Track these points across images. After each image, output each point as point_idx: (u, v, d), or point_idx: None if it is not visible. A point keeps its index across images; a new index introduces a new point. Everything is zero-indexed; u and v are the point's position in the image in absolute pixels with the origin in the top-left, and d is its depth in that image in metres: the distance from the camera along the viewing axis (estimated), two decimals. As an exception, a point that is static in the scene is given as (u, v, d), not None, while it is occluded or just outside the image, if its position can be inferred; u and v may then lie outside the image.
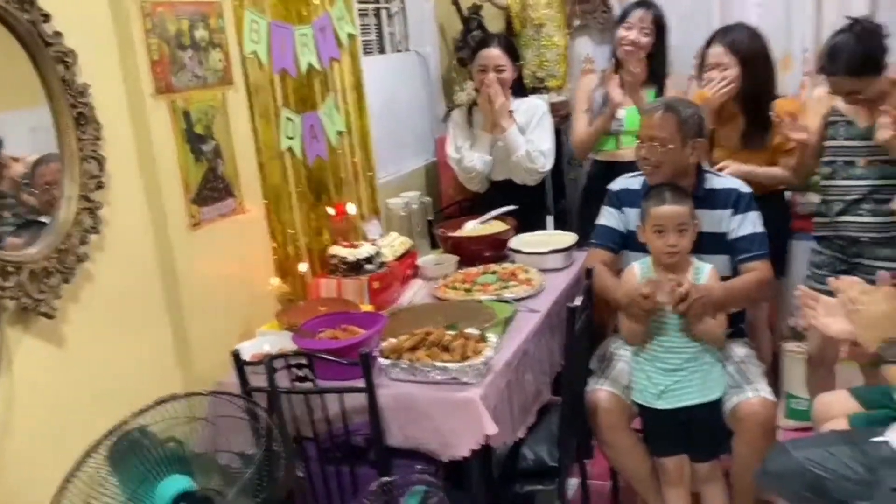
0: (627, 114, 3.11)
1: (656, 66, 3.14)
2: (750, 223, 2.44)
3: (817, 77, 3.30)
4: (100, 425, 1.75)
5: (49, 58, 1.76)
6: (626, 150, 3.04)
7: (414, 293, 2.70)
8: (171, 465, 1.61)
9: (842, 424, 2.11)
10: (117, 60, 1.98)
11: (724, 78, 2.83)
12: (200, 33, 2.21)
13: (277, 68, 2.58)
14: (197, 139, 2.19)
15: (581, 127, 3.21)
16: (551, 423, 2.37)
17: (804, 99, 3.26)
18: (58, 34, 1.77)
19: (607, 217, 2.58)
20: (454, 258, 2.87)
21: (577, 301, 2.19)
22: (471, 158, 3.22)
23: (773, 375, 3.07)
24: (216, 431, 1.82)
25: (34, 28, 1.72)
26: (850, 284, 1.86)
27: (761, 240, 2.44)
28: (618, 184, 2.61)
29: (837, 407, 2.22)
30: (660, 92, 3.12)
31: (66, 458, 1.67)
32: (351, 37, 2.99)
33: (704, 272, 2.34)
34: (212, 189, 2.25)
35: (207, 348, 2.21)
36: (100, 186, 1.89)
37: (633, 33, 3.07)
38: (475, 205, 3.32)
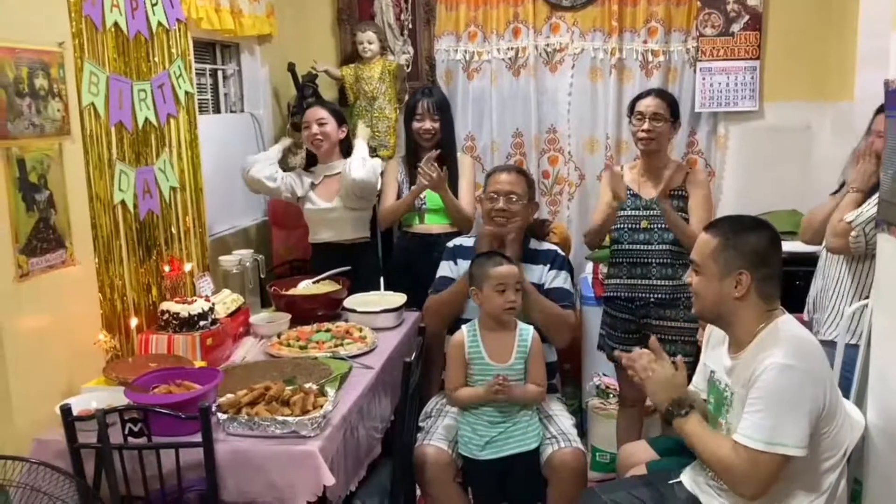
0: (428, 194, 3.42)
1: (446, 143, 3.46)
2: (562, 279, 2.79)
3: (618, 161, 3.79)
4: None
5: None
6: (430, 225, 3.45)
7: (246, 350, 2.72)
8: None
9: (642, 471, 2.36)
10: (-51, 103, 1.92)
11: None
12: (40, 82, 2.18)
13: (114, 121, 2.56)
14: (30, 188, 2.14)
15: (388, 202, 3.47)
16: (381, 476, 2.46)
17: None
18: None
19: (443, 269, 2.87)
20: (287, 316, 2.92)
21: (412, 357, 2.32)
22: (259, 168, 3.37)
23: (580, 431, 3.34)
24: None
25: None
26: (639, 355, 2.14)
27: (569, 295, 2.78)
28: (453, 242, 2.94)
29: (638, 455, 2.48)
30: (453, 166, 3.43)
31: None
32: (188, 95, 3.02)
33: (529, 333, 2.56)
34: (42, 239, 2.19)
35: (28, 404, 2.11)
36: (-76, 232, 1.80)
37: (427, 123, 3.39)
38: (306, 265, 3.41)
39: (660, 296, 2.98)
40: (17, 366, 2.08)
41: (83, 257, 2.36)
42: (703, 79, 3.89)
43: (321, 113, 3.36)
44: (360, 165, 3.27)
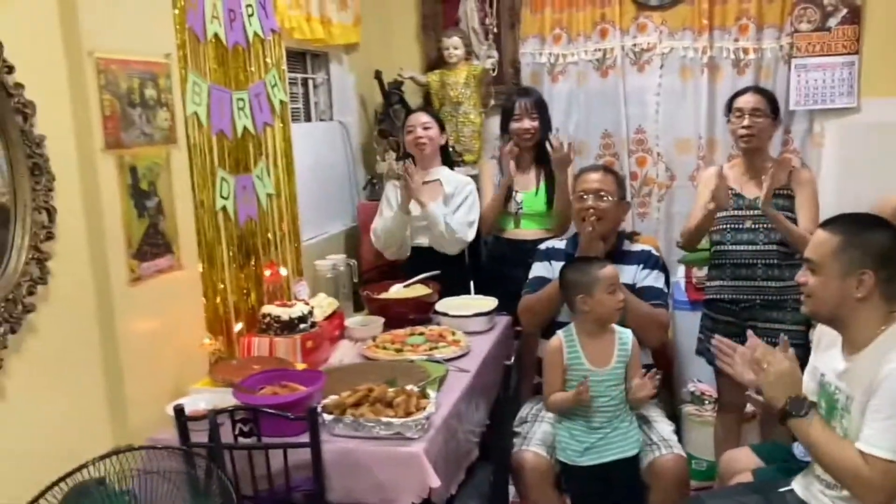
0: (525, 197, 3.38)
1: (545, 147, 3.42)
2: (654, 278, 2.73)
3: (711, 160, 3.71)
4: (32, 480, 1.73)
5: (10, 108, 1.77)
6: (525, 230, 3.41)
7: (343, 353, 2.75)
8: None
9: (747, 478, 2.29)
10: (71, 114, 2.00)
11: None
12: (150, 92, 2.25)
13: (216, 130, 2.63)
14: (141, 195, 2.21)
15: (484, 205, 3.45)
16: (478, 480, 2.45)
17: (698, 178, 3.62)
18: (19, 85, 1.79)
19: (538, 269, 2.84)
20: (381, 320, 2.94)
21: (512, 360, 2.31)
22: (381, 232, 3.35)
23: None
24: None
25: (-3, 78, 1.73)
26: (752, 348, 2.07)
27: (661, 294, 2.72)
28: (545, 244, 2.93)
29: (742, 462, 2.41)
30: (547, 172, 3.40)
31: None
32: (282, 104, 3.08)
33: (628, 337, 2.52)
34: (152, 245, 2.26)
35: (140, 405, 2.18)
36: (49, 237, 1.88)
37: (525, 122, 3.36)
38: (397, 269, 3.43)
39: (767, 297, 2.90)
40: (131, 368, 2.15)
41: (188, 262, 2.43)
42: (798, 76, 3.77)
43: (425, 117, 3.37)
44: (469, 229, 3.29)
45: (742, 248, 2.93)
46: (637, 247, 2.85)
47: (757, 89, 3.03)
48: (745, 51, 3.85)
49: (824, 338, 2.12)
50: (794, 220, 2.85)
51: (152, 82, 2.27)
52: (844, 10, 3.69)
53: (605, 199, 2.71)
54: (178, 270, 2.37)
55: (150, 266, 2.25)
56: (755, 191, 2.88)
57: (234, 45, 2.74)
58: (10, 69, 1.76)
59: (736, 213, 2.92)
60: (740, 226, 2.93)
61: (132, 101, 2.17)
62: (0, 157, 1.78)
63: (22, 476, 1.76)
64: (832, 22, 3.72)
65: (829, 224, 1.97)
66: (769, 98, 2.95)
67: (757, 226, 2.89)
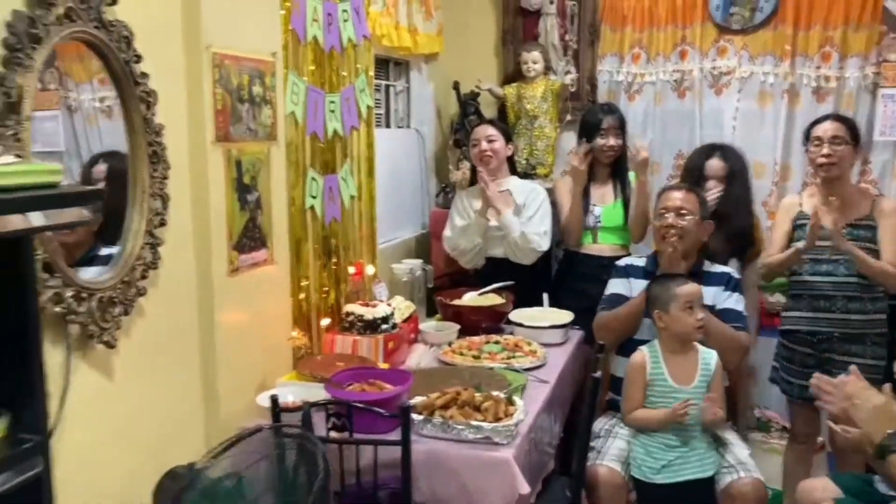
0: (604, 211, 3.38)
1: (623, 161, 3.44)
2: (735, 300, 2.72)
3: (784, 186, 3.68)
4: (131, 461, 1.79)
5: (135, 96, 1.83)
6: (603, 245, 3.39)
7: (419, 356, 2.77)
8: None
9: (828, 508, 2.25)
10: (186, 105, 2.06)
11: (718, 189, 3.19)
12: (257, 89, 2.31)
13: (310, 130, 2.68)
14: (244, 188, 2.26)
15: (563, 218, 3.45)
16: (554, 492, 2.45)
17: (774, 205, 3.59)
18: (145, 75, 1.85)
19: (615, 286, 2.83)
20: (456, 326, 2.96)
21: (599, 373, 2.30)
22: (462, 239, 3.36)
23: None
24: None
25: (127, 67, 1.80)
26: (845, 382, 2.04)
27: (741, 317, 2.70)
28: (623, 261, 2.91)
29: (820, 492, 2.37)
30: (623, 185, 3.42)
31: (104, 486, 1.68)
32: (369, 108, 3.13)
33: (712, 357, 2.50)
34: (250, 238, 2.31)
35: (231, 394, 2.22)
36: (162, 224, 1.94)
37: (611, 139, 3.37)
38: (468, 277, 3.45)
39: (846, 330, 2.84)
40: (224, 357, 2.19)
41: (280, 257, 2.48)
42: (885, 106, 3.72)
43: (490, 130, 3.40)
44: (543, 238, 3.30)
45: (821, 279, 2.89)
46: (718, 268, 2.82)
47: (837, 117, 2.99)
48: (827, 78, 3.80)
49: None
50: (877, 252, 2.80)
51: (259, 80, 2.33)
52: (936, 41, 3.65)
53: (686, 217, 2.70)
54: (270, 265, 2.42)
55: (247, 258, 2.30)
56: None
57: (331, 48, 2.80)
58: (139, 58, 1.82)
59: (818, 243, 2.87)
60: (819, 257, 2.87)
61: (241, 96, 2.23)
62: (123, 143, 1.84)
63: (119, 456, 1.81)
64: (922, 53, 3.67)
65: None
66: (849, 125, 2.91)
67: (837, 257, 2.83)
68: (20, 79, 1.47)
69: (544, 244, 3.30)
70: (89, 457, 1.73)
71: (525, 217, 3.30)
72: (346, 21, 2.91)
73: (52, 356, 1.60)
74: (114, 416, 1.82)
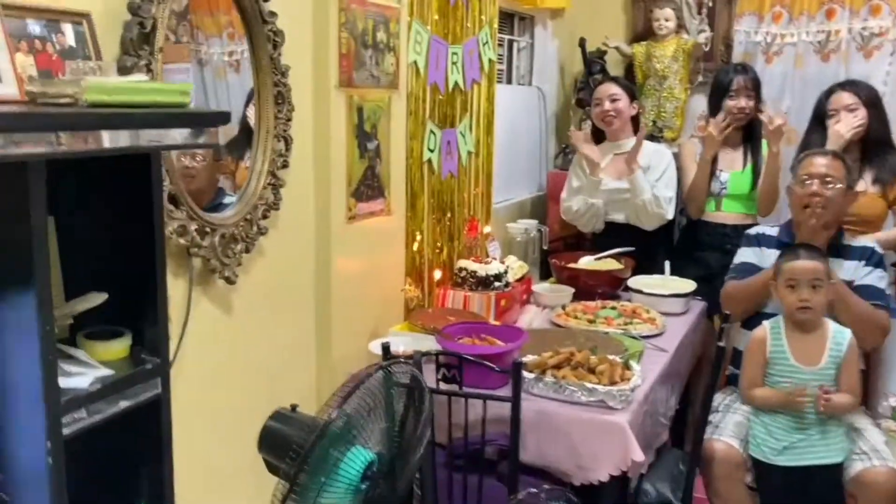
0: (731, 177, 3.19)
1: (756, 125, 3.22)
2: (876, 277, 2.52)
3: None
4: (244, 394, 1.82)
5: (263, 35, 1.83)
6: (727, 213, 3.21)
7: (531, 318, 2.71)
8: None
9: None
10: (312, 48, 2.05)
11: (855, 117, 2.96)
12: (381, 35, 2.28)
13: (431, 81, 2.64)
14: (364, 136, 2.25)
15: (687, 185, 3.29)
16: (668, 463, 2.36)
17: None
18: (273, 14, 1.85)
19: (746, 255, 2.67)
20: (571, 289, 2.88)
21: (723, 342, 2.19)
22: (573, 201, 3.25)
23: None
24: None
25: (256, 5, 1.79)
26: None
27: (882, 295, 2.50)
28: (755, 229, 2.74)
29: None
30: (755, 152, 3.21)
31: (218, 414, 1.72)
32: (491, 62, 3.06)
33: (845, 337, 2.32)
34: (368, 186, 2.30)
35: (343, 340, 2.24)
36: (284, 165, 1.94)
37: (742, 100, 3.17)
38: (585, 242, 3.35)
39: None
40: (339, 303, 2.21)
41: (397, 208, 2.46)
42: None
43: (614, 89, 3.25)
44: (670, 205, 3.16)
45: None
46: (860, 241, 2.62)
47: None
48: None
49: None
50: None
51: (384, 26, 2.30)
52: None
53: (831, 185, 2.50)
54: (387, 215, 2.41)
55: (364, 207, 2.29)
56: None
57: (456, -1, 2.74)
58: (268, -3, 1.82)
59: None
60: None
61: (365, 42, 2.21)
62: (250, 82, 1.84)
63: (232, 388, 1.85)
64: None
65: None
66: None
67: None
68: (155, 9, 1.48)
69: (670, 211, 3.15)
70: (205, 385, 1.78)
71: (651, 181, 3.15)
72: (472, -29, 2.84)
73: (175, 288, 1.64)
74: (230, 350, 1.86)
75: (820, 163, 2.55)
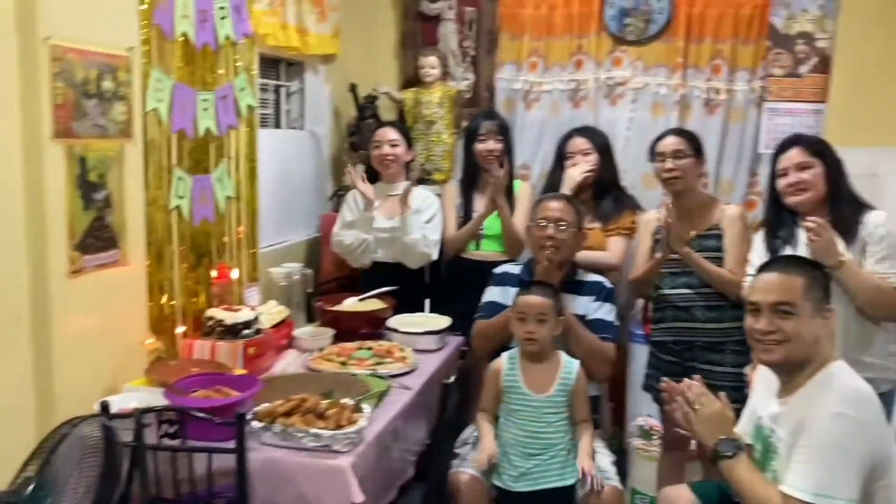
0: (489, 219, 3.38)
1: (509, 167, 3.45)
2: (605, 311, 2.75)
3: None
4: None
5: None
6: (486, 252, 3.40)
7: (288, 363, 2.72)
8: None
9: (684, 516, 2.27)
10: (19, 98, 1.98)
11: (587, 162, 3.28)
12: (107, 84, 2.23)
13: (176, 128, 2.61)
14: (89, 186, 2.19)
15: (451, 228, 3.44)
16: (411, 500, 2.43)
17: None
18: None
19: (492, 294, 2.84)
20: (330, 331, 2.92)
21: (451, 379, 2.29)
22: (346, 235, 3.34)
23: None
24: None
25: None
26: (688, 386, 2.07)
27: (610, 327, 2.74)
28: (500, 269, 2.92)
29: (679, 499, 2.38)
30: (510, 190, 3.43)
31: None
32: (250, 108, 3.06)
33: (573, 367, 2.51)
34: (97, 238, 2.23)
35: (71, 399, 2.14)
36: (-16, 221, 1.85)
37: (490, 143, 3.38)
38: (355, 282, 3.41)
39: (706, 339, 2.88)
40: (64, 361, 2.12)
41: (135, 258, 2.40)
42: (769, 119, 3.81)
43: (393, 134, 3.39)
44: (436, 247, 3.30)
45: (679, 291, 2.91)
46: (591, 277, 2.84)
47: (678, 131, 3.05)
48: (717, 91, 3.87)
49: (763, 380, 2.12)
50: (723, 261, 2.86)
51: (111, 75, 2.25)
52: (815, 59, 3.73)
53: (564, 228, 2.71)
54: (123, 266, 2.35)
55: (92, 259, 2.22)
56: (690, 233, 2.87)
57: (204, 45, 2.73)
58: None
59: (673, 257, 2.88)
60: (676, 269, 2.90)
61: (87, 91, 2.15)
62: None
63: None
64: (803, 69, 3.75)
65: (779, 266, 1.97)
66: (689, 138, 2.96)
67: (692, 268, 2.87)
68: None
69: (434, 253, 3.28)
70: None
71: (420, 222, 3.28)
72: (223, 18, 2.85)
73: None
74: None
75: (554, 206, 2.76)
